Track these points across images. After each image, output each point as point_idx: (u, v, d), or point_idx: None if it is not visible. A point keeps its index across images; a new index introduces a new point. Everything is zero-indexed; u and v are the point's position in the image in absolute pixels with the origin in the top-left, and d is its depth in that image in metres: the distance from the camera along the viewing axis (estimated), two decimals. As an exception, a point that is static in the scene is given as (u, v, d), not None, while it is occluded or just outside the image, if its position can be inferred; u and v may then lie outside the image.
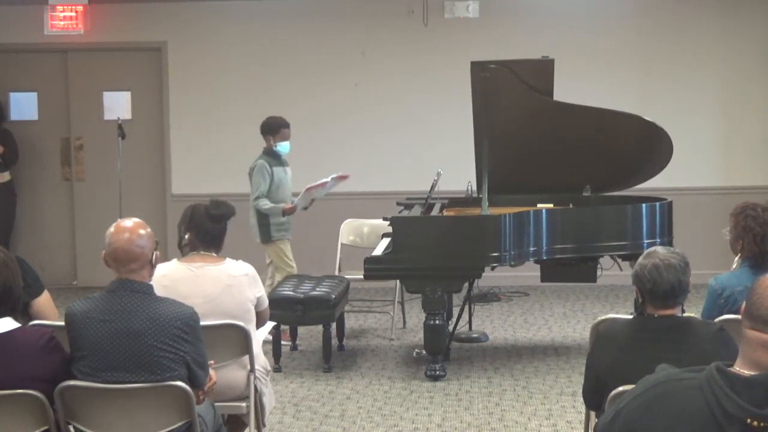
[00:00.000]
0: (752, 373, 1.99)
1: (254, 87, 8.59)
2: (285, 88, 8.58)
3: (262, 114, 8.54)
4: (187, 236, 3.95)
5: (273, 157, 6.50)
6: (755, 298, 2.06)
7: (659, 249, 3.01)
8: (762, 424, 1.88)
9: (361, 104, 8.57)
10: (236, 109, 8.61)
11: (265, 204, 6.43)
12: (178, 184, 8.64)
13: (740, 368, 2.00)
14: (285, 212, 6.49)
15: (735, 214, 3.83)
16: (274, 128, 6.53)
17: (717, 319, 3.47)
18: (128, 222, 3.24)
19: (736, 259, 3.92)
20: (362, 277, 5.85)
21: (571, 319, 7.30)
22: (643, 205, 6.06)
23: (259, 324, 4.11)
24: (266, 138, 6.56)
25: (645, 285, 2.92)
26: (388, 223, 5.90)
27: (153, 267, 3.24)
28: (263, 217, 6.48)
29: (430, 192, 6.22)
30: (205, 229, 3.93)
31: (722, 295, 3.71)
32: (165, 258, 3.44)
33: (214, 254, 3.93)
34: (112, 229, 3.22)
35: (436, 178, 6.23)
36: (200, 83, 8.62)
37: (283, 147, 6.53)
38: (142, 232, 3.21)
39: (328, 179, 6.57)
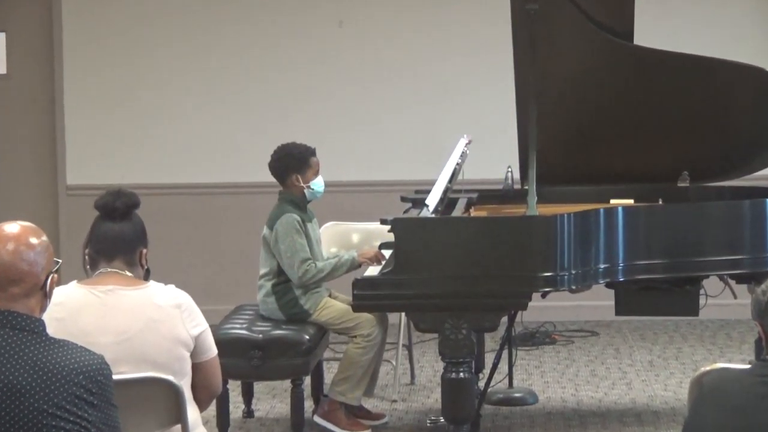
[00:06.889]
0: None
1: (190, 34, 8.60)
2: (236, 36, 8.59)
3: (202, 76, 8.60)
4: (87, 251, 3.95)
5: (297, 206, 6.15)
6: None
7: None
8: None
9: (349, 52, 8.58)
10: (160, 64, 8.63)
11: (323, 268, 6.08)
12: (74, 171, 8.67)
13: None
14: (363, 261, 6.19)
15: None
16: (298, 161, 6.15)
17: None
18: (14, 226, 3.21)
19: None
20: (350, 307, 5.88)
21: (661, 371, 7.32)
22: (768, 200, 6.09)
23: (207, 387, 4.05)
24: (288, 179, 6.17)
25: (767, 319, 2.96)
26: (388, 227, 5.91)
27: (47, 296, 3.23)
28: (286, 292, 6.13)
29: (458, 163, 6.19)
30: (101, 233, 3.93)
31: None
32: (59, 280, 3.42)
33: (129, 273, 3.94)
34: (-11, 236, 3.21)
35: (464, 148, 6.22)
36: (110, 29, 8.65)
37: (317, 185, 6.19)
38: (33, 241, 3.19)
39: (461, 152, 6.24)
